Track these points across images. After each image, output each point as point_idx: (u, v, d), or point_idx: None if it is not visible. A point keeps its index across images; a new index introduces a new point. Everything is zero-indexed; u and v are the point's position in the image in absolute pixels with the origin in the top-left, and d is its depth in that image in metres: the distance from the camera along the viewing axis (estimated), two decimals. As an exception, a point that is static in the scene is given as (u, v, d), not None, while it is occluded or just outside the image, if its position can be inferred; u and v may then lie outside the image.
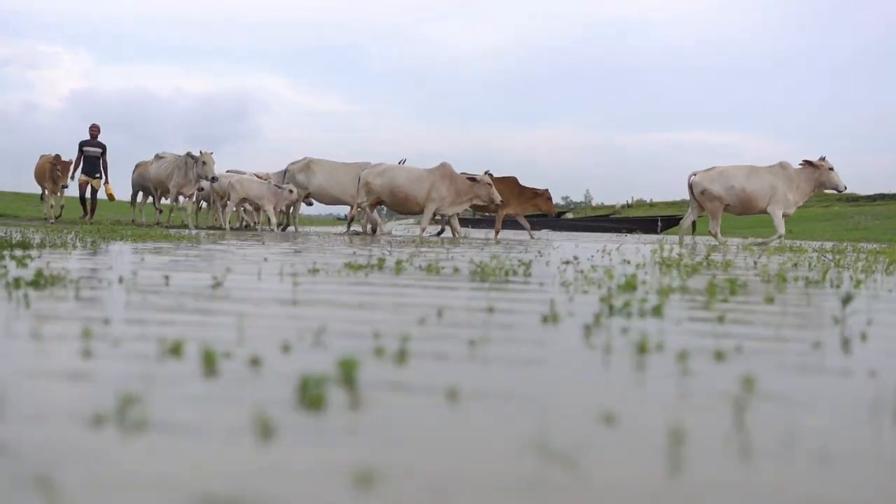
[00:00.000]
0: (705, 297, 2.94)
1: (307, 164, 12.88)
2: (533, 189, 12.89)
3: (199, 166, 12.31)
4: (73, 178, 13.86)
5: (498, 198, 11.43)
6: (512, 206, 12.59)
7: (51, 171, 13.18)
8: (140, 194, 15.29)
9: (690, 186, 10.64)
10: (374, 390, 1.37)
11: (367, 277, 3.57)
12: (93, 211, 14.55)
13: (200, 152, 12.30)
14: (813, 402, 1.38)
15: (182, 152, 13.00)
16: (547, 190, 12.96)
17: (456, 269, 4.12)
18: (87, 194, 14.60)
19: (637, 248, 8.33)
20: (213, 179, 12.30)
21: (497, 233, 12.95)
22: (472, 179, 11.44)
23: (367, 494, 0.90)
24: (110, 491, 0.89)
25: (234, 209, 13.38)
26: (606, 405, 1.32)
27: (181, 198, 13.87)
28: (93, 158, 14.43)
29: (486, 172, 11.71)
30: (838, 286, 3.68)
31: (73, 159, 14.00)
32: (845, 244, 10.92)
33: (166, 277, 3.24)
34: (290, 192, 12.44)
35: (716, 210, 10.47)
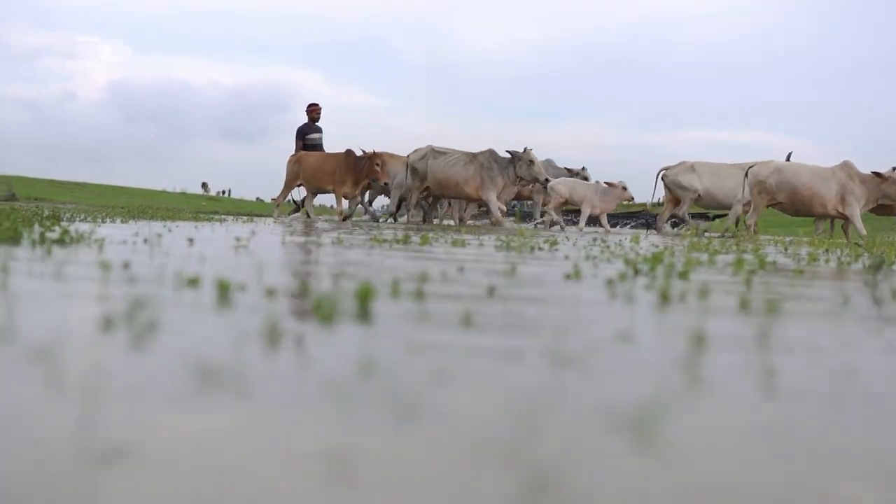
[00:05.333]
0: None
1: (691, 167, 11.31)
2: None
3: (522, 166, 9.89)
4: None
5: None
6: None
7: (367, 166, 10.10)
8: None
9: None
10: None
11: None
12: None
13: (525, 149, 9.93)
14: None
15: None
16: None
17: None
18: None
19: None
20: (546, 181, 10.03)
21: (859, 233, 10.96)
22: (878, 175, 9.66)
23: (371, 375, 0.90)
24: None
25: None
26: (619, 328, 1.32)
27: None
28: (317, 146, 11.21)
29: (893, 168, 9.74)
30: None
31: (295, 149, 11.13)
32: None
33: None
34: (624, 189, 10.72)
35: None
